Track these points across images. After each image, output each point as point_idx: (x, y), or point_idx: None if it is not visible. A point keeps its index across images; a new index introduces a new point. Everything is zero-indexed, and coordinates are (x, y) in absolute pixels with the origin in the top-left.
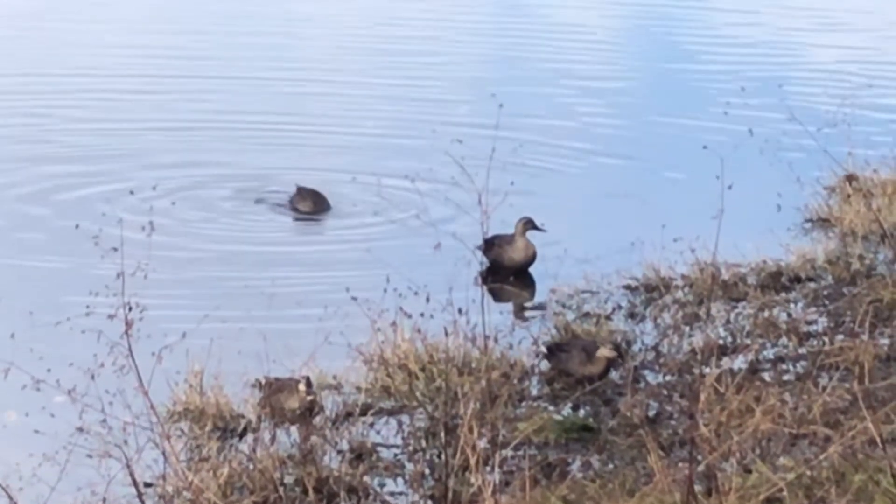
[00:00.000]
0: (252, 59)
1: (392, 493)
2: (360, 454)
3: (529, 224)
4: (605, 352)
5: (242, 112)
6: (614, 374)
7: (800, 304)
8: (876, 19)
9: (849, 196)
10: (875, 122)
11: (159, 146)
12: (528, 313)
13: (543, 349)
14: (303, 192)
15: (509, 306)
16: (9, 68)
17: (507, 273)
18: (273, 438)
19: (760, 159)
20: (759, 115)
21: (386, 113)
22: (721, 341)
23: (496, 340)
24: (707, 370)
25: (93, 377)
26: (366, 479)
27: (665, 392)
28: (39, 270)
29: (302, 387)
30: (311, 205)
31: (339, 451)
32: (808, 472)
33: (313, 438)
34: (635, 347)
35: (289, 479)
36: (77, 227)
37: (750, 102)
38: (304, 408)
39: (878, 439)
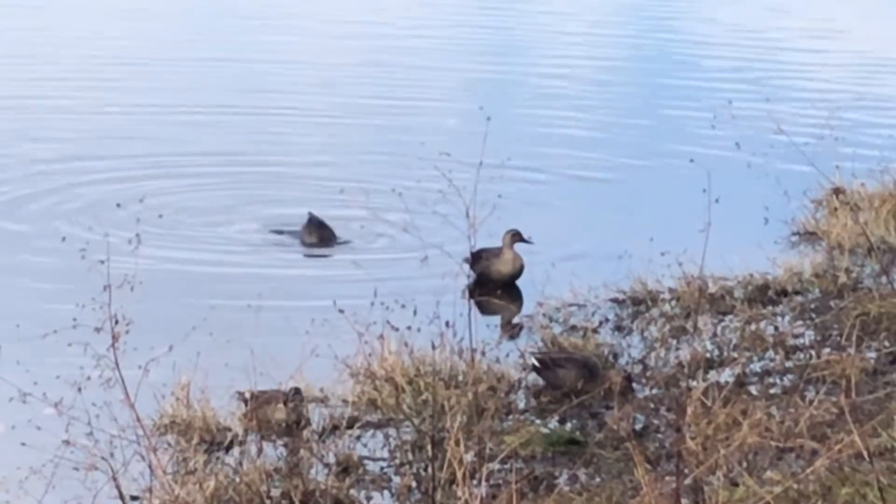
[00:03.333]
0: (237, 71)
1: None
2: (346, 467)
3: (517, 236)
4: (616, 378)
5: (227, 122)
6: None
7: (787, 318)
8: (863, 34)
9: (836, 209)
10: (862, 136)
11: (145, 160)
12: (515, 326)
13: (534, 361)
14: (310, 226)
15: (496, 319)
16: None
17: (494, 286)
18: (260, 451)
19: (747, 172)
20: (747, 128)
21: (373, 125)
22: (708, 354)
23: (483, 353)
24: (694, 383)
25: (79, 390)
26: (352, 492)
27: (652, 405)
28: (26, 283)
29: (280, 413)
30: (316, 238)
31: (326, 465)
32: (795, 486)
33: (300, 451)
34: (622, 360)
35: (275, 493)
36: (64, 239)
37: (737, 116)
38: (291, 420)
39: (864, 453)
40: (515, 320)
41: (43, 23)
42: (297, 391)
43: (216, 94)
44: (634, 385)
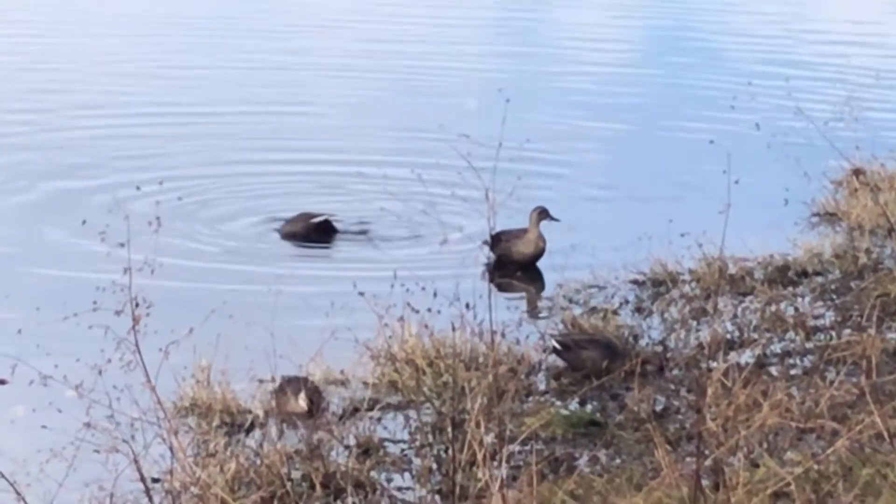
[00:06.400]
0: (258, 53)
1: (399, 488)
2: (367, 449)
3: (544, 214)
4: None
5: (247, 104)
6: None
7: (807, 299)
8: (881, 13)
9: (856, 190)
10: (882, 117)
11: (166, 142)
12: (535, 308)
13: (554, 343)
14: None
15: (517, 301)
16: (13, 63)
17: (514, 267)
18: (280, 434)
19: (767, 154)
20: (766, 109)
21: (393, 107)
22: (728, 336)
23: (503, 335)
24: (714, 364)
25: (100, 373)
26: (373, 474)
27: (672, 386)
28: (46, 266)
29: (303, 403)
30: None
31: (347, 447)
32: (816, 467)
33: (320, 434)
34: (642, 342)
35: (296, 475)
36: (84, 222)
37: (757, 97)
38: (309, 411)
39: (885, 433)
40: (535, 302)
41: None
42: (314, 389)
43: (237, 81)
44: (651, 365)
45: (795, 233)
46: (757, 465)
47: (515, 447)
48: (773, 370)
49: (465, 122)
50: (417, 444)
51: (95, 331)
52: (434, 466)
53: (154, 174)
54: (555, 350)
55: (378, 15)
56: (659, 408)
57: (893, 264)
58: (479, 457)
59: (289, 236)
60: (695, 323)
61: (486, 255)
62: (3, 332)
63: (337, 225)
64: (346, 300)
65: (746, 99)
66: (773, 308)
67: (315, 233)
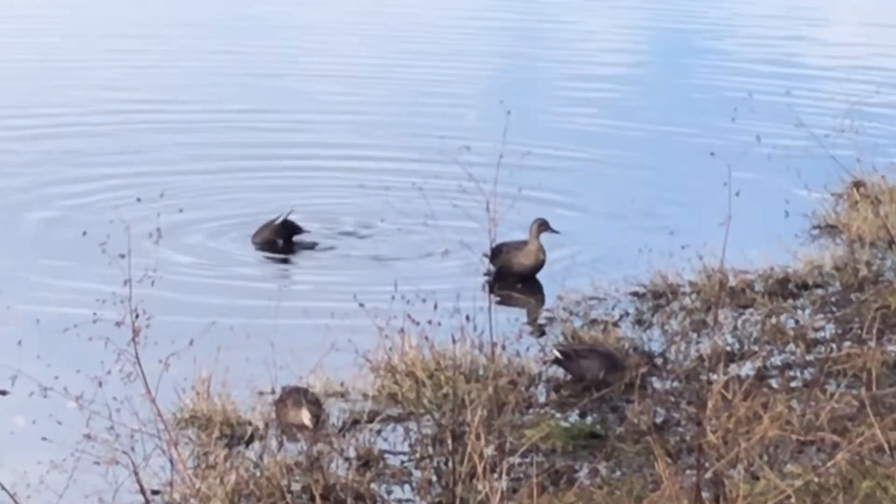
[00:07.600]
0: (259, 64)
1: (399, 501)
2: (367, 461)
3: (545, 226)
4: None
5: (249, 115)
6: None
7: (807, 311)
8: (883, 24)
9: (856, 202)
10: (882, 129)
11: (166, 153)
12: (535, 320)
13: (556, 353)
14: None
15: (517, 313)
16: (9, 70)
17: (515, 279)
18: (280, 445)
19: (768, 166)
20: (767, 121)
21: (393, 119)
22: (728, 348)
23: (503, 347)
24: (714, 377)
25: (100, 384)
26: (373, 486)
27: (672, 399)
28: (47, 277)
29: (307, 421)
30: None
31: (347, 459)
32: (816, 479)
33: (320, 446)
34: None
35: (296, 487)
36: (84, 234)
37: (757, 109)
38: (312, 424)
39: (885, 446)
40: (536, 314)
41: (67, 11)
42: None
43: (239, 90)
44: (655, 377)
45: (796, 245)
46: (757, 478)
47: (515, 459)
48: (774, 382)
49: (467, 133)
50: (417, 456)
51: (96, 342)
52: (434, 479)
53: (155, 186)
54: (556, 360)
55: (377, 28)
56: (659, 420)
57: (894, 276)
58: (480, 469)
59: (263, 245)
60: (695, 335)
61: (486, 266)
62: (4, 344)
63: (301, 224)
64: (347, 311)
65: (747, 111)
66: (774, 320)
67: (281, 235)
